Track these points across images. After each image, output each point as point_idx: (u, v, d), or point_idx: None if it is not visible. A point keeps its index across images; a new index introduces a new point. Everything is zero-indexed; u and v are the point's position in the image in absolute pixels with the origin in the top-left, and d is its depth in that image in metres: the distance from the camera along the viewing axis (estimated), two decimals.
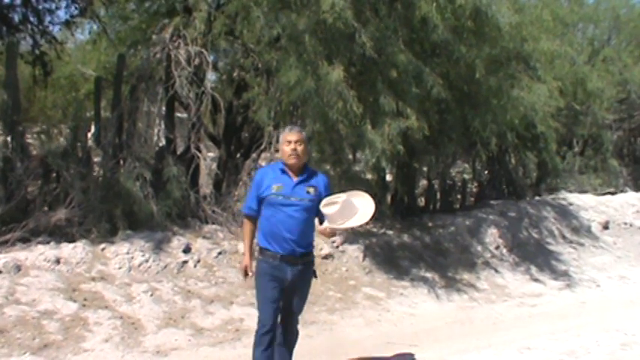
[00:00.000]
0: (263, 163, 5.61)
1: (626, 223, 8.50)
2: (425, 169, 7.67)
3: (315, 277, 3.14)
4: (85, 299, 3.98)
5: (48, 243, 4.43)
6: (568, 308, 5.49)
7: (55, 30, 7.36)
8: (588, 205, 8.74)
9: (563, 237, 7.62)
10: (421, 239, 6.34)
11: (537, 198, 8.94)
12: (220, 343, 3.91)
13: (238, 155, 6.23)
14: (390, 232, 6.29)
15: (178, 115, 6.53)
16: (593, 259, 7.20)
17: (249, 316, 4.12)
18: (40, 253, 4.28)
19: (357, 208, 2.95)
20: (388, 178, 7.31)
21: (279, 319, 3.11)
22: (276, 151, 5.15)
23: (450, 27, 5.21)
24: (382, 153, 4.90)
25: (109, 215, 4.81)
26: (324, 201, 2.92)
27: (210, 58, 5.54)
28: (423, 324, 4.68)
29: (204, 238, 5.14)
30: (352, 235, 5.72)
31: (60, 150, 4.93)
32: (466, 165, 10.23)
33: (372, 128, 4.94)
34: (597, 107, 9.38)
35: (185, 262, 4.75)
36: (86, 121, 5.85)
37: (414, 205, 7.44)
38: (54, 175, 4.96)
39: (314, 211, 2.99)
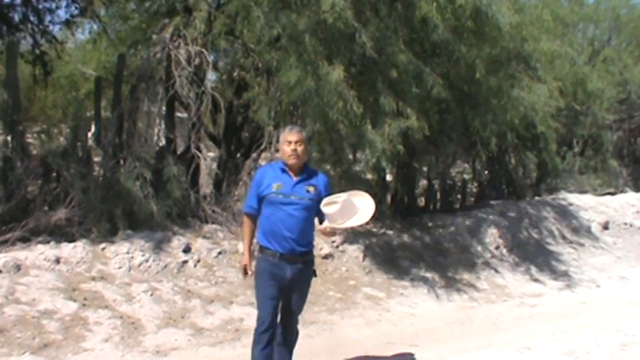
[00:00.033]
0: (263, 163, 5.60)
1: (626, 224, 8.50)
2: (425, 169, 7.68)
3: (315, 275, 3.15)
4: (85, 299, 3.98)
5: (48, 242, 4.43)
6: (568, 308, 5.49)
7: (56, 29, 7.38)
8: (588, 205, 8.74)
9: (563, 237, 7.62)
10: (421, 239, 6.34)
11: (537, 198, 8.94)
12: (220, 342, 3.91)
13: (238, 155, 6.23)
14: (390, 232, 6.29)
15: (178, 114, 6.52)
16: (593, 260, 7.20)
17: (249, 316, 4.11)
18: (40, 252, 4.28)
19: (358, 207, 2.95)
20: (388, 178, 7.31)
21: (278, 319, 3.11)
22: (277, 150, 5.15)
23: (450, 27, 5.21)
24: (382, 153, 4.91)
25: (109, 215, 4.81)
26: (325, 200, 2.92)
27: (211, 58, 5.54)
28: (423, 324, 4.68)
29: (205, 237, 5.14)
30: (352, 235, 5.72)
31: (60, 149, 4.93)
32: (466, 165, 10.23)
33: (373, 128, 4.94)
34: (597, 107, 9.38)
35: (185, 261, 4.75)
36: (86, 121, 5.85)
37: (414, 205, 7.44)
38: (54, 174, 4.96)
39: (314, 210, 3.00)
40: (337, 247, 5.57)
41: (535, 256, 6.84)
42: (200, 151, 5.63)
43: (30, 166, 4.72)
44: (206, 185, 6.05)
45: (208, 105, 5.56)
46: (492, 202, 8.04)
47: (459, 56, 5.38)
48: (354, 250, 5.59)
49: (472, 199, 8.83)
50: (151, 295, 4.22)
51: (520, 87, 6.01)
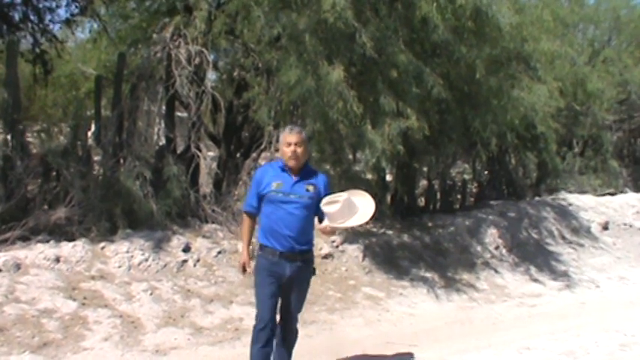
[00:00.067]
0: (263, 163, 5.60)
1: (625, 224, 8.50)
2: (425, 169, 7.68)
3: (314, 273, 3.15)
4: (85, 298, 3.98)
5: (48, 242, 4.43)
6: (567, 309, 5.49)
7: (56, 28, 7.37)
8: (588, 205, 8.74)
9: (563, 237, 7.62)
10: (421, 239, 6.34)
11: (537, 198, 8.94)
12: (220, 342, 3.91)
13: (238, 155, 6.24)
14: (390, 232, 6.29)
15: (178, 114, 6.53)
16: (592, 260, 7.21)
17: (248, 316, 4.11)
18: (39, 251, 4.28)
19: (358, 207, 2.96)
20: (388, 178, 7.31)
21: (278, 318, 3.12)
22: (276, 150, 5.15)
23: (450, 27, 5.22)
24: (382, 153, 4.91)
25: (108, 214, 4.81)
26: (325, 199, 2.93)
27: (211, 58, 5.54)
28: (422, 324, 4.68)
29: (204, 237, 5.14)
30: (352, 235, 5.72)
31: (60, 149, 4.93)
32: (466, 165, 10.23)
33: (372, 128, 4.94)
34: (597, 108, 9.38)
35: (185, 261, 4.75)
36: (86, 120, 5.85)
37: (414, 205, 7.44)
38: (54, 173, 4.96)
39: (313, 209, 3.01)
40: (337, 246, 5.58)
41: (535, 257, 6.84)
42: (200, 151, 5.63)
43: (30, 165, 4.72)
44: (206, 185, 6.05)
45: (208, 104, 5.56)
46: (492, 202, 8.04)
47: (459, 56, 5.38)
48: (354, 250, 5.60)
49: (472, 199, 8.83)
50: (151, 294, 4.22)
51: (520, 87, 6.02)
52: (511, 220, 7.36)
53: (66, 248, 4.38)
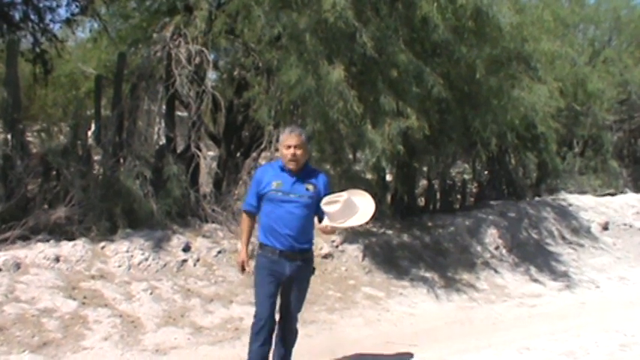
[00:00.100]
0: (263, 162, 5.60)
1: (625, 224, 8.50)
2: (425, 169, 7.67)
3: (313, 273, 3.15)
4: (85, 297, 3.98)
5: (48, 241, 4.43)
6: (567, 309, 5.49)
7: (56, 28, 7.37)
8: (588, 205, 8.74)
9: (563, 238, 7.62)
10: (421, 239, 6.34)
11: (537, 198, 8.94)
12: (220, 341, 3.90)
13: (238, 154, 6.23)
14: (390, 232, 6.29)
15: (179, 113, 6.52)
16: (592, 260, 7.21)
17: (248, 315, 4.09)
18: (39, 251, 4.28)
19: (358, 207, 2.96)
20: (388, 177, 7.31)
21: (278, 318, 3.12)
22: (276, 150, 5.15)
23: (450, 27, 5.21)
24: (382, 153, 4.91)
25: (108, 213, 4.81)
26: (326, 199, 2.93)
27: (211, 57, 5.53)
28: (422, 324, 4.68)
29: (204, 236, 5.14)
30: (352, 235, 5.72)
31: (60, 148, 4.92)
32: (466, 165, 10.23)
33: (373, 128, 4.94)
34: (598, 108, 9.38)
35: (185, 260, 4.75)
36: (86, 120, 5.86)
37: (414, 205, 7.44)
38: (54, 173, 4.96)
39: (313, 208, 3.01)
40: (337, 246, 5.57)
41: (535, 257, 6.84)
42: (200, 150, 5.63)
43: (30, 164, 4.72)
44: (206, 184, 6.05)
45: (208, 104, 5.56)
46: (492, 202, 8.04)
47: (460, 56, 5.38)
48: (354, 250, 5.59)
49: (472, 199, 8.83)
50: (151, 293, 4.22)
51: (520, 87, 6.01)
52: (511, 220, 7.36)
53: (66, 248, 4.38)
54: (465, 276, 5.91)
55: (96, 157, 5.38)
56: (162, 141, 5.83)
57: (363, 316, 4.65)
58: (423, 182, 8.06)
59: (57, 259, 4.26)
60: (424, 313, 4.93)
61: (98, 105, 5.67)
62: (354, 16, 4.71)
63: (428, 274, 5.69)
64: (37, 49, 7.08)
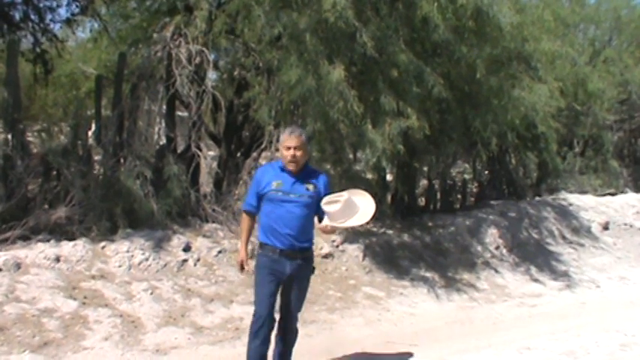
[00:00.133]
0: (263, 162, 5.61)
1: (626, 224, 8.50)
2: (425, 168, 7.68)
3: (313, 272, 3.16)
4: (85, 297, 3.98)
5: (48, 241, 4.43)
6: (568, 309, 5.49)
7: (56, 28, 7.37)
8: (588, 205, 8.74)
9: (563, 237, 7.62)
10: (421, 239, 6.34)
11: (537, 198, 8.94)
12: (220, 341, 3.91)
13: (239, 154, 6.23)
14: (390, 232, 6.29)
15: (179, 113, 6.52)
16: (593, 260, 7.20)
17: (249, 315, 4.06)
18: (40, 251, 4.28)
19: (358, 207, 2.96)
20: (388, 177, 7.31)
21: (278, 318, 3.12)
22: (277, 150, 5.15)
23: (451, 27, 5.21)
24: (383, 152, 4.91)
25: (109, 213, 4.81)
26: (326, 199, 2.94)
27: (211, 57, 5.53)
28: (422, 324, 4.68)
29: (205, 236, 5.14)
30: (352, 235, 5.72)
31: (60, 148, 4.93)
32: (466, 165, 10.23)
33: (373, 128, 4.94)
34: (598, 108, 9.38)
35: (185, 260, 4.75)
36: (87, 120, 5.86)
37: (415, 204, 7.44)
38: (54, 173, 4.96)
39: (313, 208, 3.02)
40: (337, 246, 5.58)
41: (535, 257, 6.84)
42: (200, 150, 5.63)
43: (30, 164, 4.72)
44: (206, 184, 6.05)
45: (209, 104, 5.56)
46: (492, 202, 8.04)
47: (460, 56, 5.38)
48: (354, 250, 5.59)
49: (472, 199, 8.83)
50: (151, 293, 4.22)
51: (521, 87, 6.01)
52: (511, 220, 7.36)
53: (66, 248, 4.38)
54: (466, 276, 5.91)
55: (96, 157, 5.38)
56: (163, 141, 5.84)
57: (363, 316, 4.65)
58: (424, 182, 8.07)
59: (57, 259, 4.26)
60: (424, 313, 4.93)
61: (98, 105, 5.67)
62: (354, 16, 4.71)
63: (428, 274, 5.69)
64: (38, 49, 7.09)
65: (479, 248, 6.55)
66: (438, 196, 7.95)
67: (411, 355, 3.96)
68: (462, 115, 5.96)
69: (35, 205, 4.72)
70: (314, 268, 3.17)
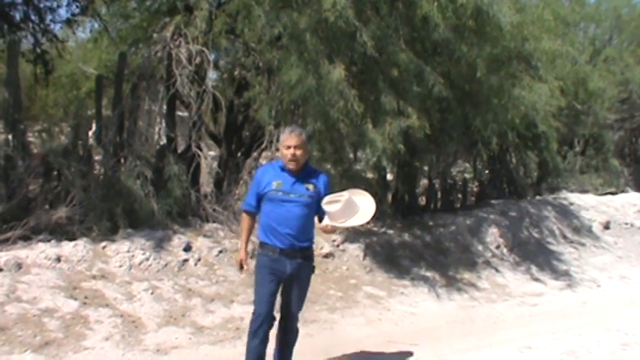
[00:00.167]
0: (264, 162, 5.61)
1: (627, 223, 8.49)
2: (426, 168, 7.68)
3: (313, 271, 3.16)
4: (86, 297, 3.99)
5: (49, 241, 4.44)
6: (569, 308, 5.49)
7: (57, 28, 7.37)
8: (589, 204, 8.73)
9: (564, 237, 7.61)
10: (422, 238, 6.34)
11: (538, 197, 8.93)
12: (221, 341, 3.91)
13: (239, 154, 6.23)
14: (391, 231, 6.29)
15: (179, 113, 6.52)
16: (594, 259, 7.20)
17: (249, 315, 4.04)
18: (41, 251, 4.28)
19: (359, 207, 2.97)
20: (389, 177, 7.31)
21: (279, 318, 3.12)
22: (277, 150, 5.15)
23: (451, 26, 5.21)
24: (383, 152, 4.90)
25: (109, 213, 4.81)
26: (327, 198, 2.94)
27: (212, 57, 5.53)
28: (423, 323, 4.69)
29: (205, 236, 5.14)
30: (353, 234, 5.72)
31: (61, 148, 4.93)
32: (467, 164, 10.22)
33: (373, 127, 4.94)
34: (598, 107, 9.38)
35: (186, 260, 4.75)
36: (87, 120, 5.86)
37: (415, 204, 7.44)
38: (55, 173, 4.97)
39: (313, 208, 3.02)
40: (338, 246, 5.58)
41: (536, 256, 6.83)
42: (201, 150, 5.63)
43: (31, 164, 4.73)
44: (207, 184, 6.05)
45: (209, 104, 5.56)
46: (493, 201, 8.04)
47: (460, 55, 5.38)
48: (355, 249, 5.60)
49: (473, 198, 8.83)
50: (152, 293, 4.22)
51: (521, 86, 6.01)
52: (512, 220, 7.36)
53: (67, 248, 4.39)
54: (466, 275, 5.91)
55: (97, 157, 5.38)
56: (163, 141, 5.84)
57: (364, 316, 4.65)
58: (424, 181, 8.07)
59: (58, 259, 4.27)
60: (425, 313, 4.93)
61: (99, 105, 5.68)
62: (354, 16, 4.70)
63: (429, 274, 5.69)
64: (38, 50, 7.09)
65: (479, 247, 6.55)
66: (439, 195, 7.95)
67: (411, 354, 3.96)
68: (462, 115, 5.95)
69: (36, 206, 4.73)
70: (314, 268, 3.17)
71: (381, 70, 5.10)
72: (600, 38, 11.09)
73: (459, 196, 8.34)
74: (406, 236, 6.27)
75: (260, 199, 3.07)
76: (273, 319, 3.09)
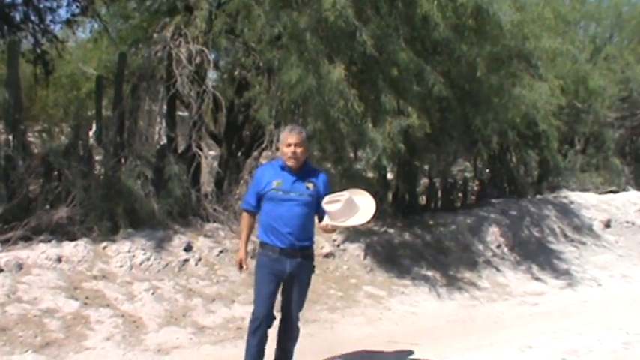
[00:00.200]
0: (264, 162, 5.60)
1: (628, 222, 8.48)
2: (426, 167, 7.67)
3: (313, 271, 3.16)
4: (87, 297, 3.99)
5: (50, 241, 4.44)
6: (570, 307, 5.49)
7: (57, 29, 7.39)
8: (590, 203, 8.73)
9: (565, 235, 7.61)
10: (422, 238, 6.34)
11: (539, 196, 8.92)
12: (221, 341, 3.91)
13: (239, 154, 6.23)
14: (392, 231, 6.29)
15: (179, 113, 6.52)
16: (594, 258, 7.19)
17: (250, 315, 4.11)
18: (41, 251, 4.29)
19: (359, 207, 2.98)
20: (389, 176, 7.31)
21: (279, 317, 3.13)
22: (277, 149, 5.15)
23: (451, 25, 5.21)
24: (383, 151, 4.90)
25: (110, 214, 4.82)
26: (327, 198, 2.95)
27: (212, 57, 5.53)
28: (424, 322, 4.69)
29: (206, 236, 5.14)
30: (353, 234, 5.72)
31: (61, 149, 4.94)
32: (467, 163, 10.22)
33: (374, 126, 4.94)
34: (599, 105, 9.37)
35: (186, 260, 4.76)
36: (87, 120, 5.87)
37: (415, 203, 7.43)
38: (55, 173, 4.97)
39: (313, 207, 3.03)
40: (338, 245, 5.58)
41: (536, 255, 6.83)
42: (201, 150, 5.63)
43: (31, 165, 4.73)
44: (207, 184, 6.05)
45: (209, 104, 5.56)
46: (493, 200, 8.03)
47: (460, 54, 5.37)
48: (356, 249, 5.60)
49: (473, 197, 8.83)
50: (153, 293, 4.23)
51: (521, 85, 6.00)
52: (513, 219, 7.36)
53: (68, 248, 4.39)
54: (467, 274, 5.91)
55: (97, 158, 5.39)
56: (164, 141, 5.84)
57: (364, 315, 4.65)
58: (425, 181, 8.06)
59: (59, 260, 4.27)
60: (426, 312, 4.93)
61: (99, 105, 5.68)
62: (354, 15, 4.70)
63: (429, 273, 5.69)
64: (38, 50, 7.10)
65: (480, 247, 6.55)
66: (439, 194, 7.95)
67: (412, 353, 3.96)
68: (462, 114, 5.95)
69: (37, 206, 4.73)
70: (314, 267, 3.17)
71: (381, 70, 5.10)
72: (600, 36, 11.07)
73: (460, 195, 8.33)
74: (407, 235, 6.27)
75: (260, 198, 3.08)
76: (273, 318, 3.09)
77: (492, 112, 5.87)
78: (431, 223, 6.79)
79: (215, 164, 6.27)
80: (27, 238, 4.44)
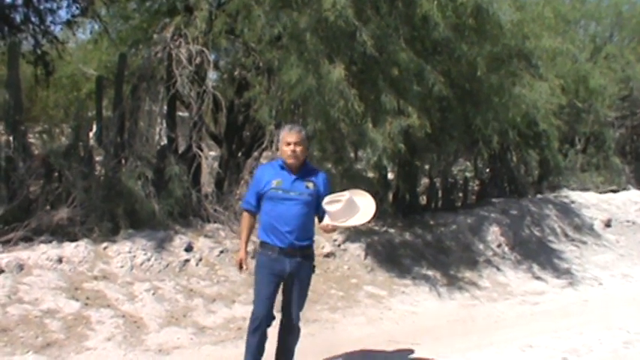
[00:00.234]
0: (264, 162, 5.61)
1: (628, 221, 8.48)
2: (427, 167, 7.67)
3: (314, 271, 3.17)
4: (88, 298, 4.00)
5: (50, 242, 4.45)
6: (570, 306, 5.49)
7: (57, 30, 7.39)
8: (590, 202, 8.72)
9: (566, 235, 7.61)
10: (423, 237, 6.34)
11: (539, 196, 8.92)
12: (222, 341, 3.91)
13: (240, 154, 6.24)
14: (392, 231, 6.29)
15: (180, 114, 6.53)
16: (595, 257, 7.19)
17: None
18: (42, 252, 4.29)
19: (359, 207, 2.99)
20: (390, 176, 7.31)
21: (280, 317, 3.13)
22: (277, 149, 5.15)
23: (451, 25, 5.21)
24: (384, 151, 4.91)
25: (110, 214, 4.82)
26: (327, 198, 2.95)
27: (212, 57, 5.53)
28: (424, 322, 4.69)
29: (206, 236, 5.15)
30: (354, 234, 5.72)
31: (62, 149, 4.94)
32: (468, 163, 10.21)
33: (374, 126, 4.94)
34: (599, 105, 9.35)
35: (187, 260, 4.76)
36: (88, 121, 5.88)
37: (416, 203, 7.43)
38: (56, 174, 4.97)
39: (313, 206, 3.03)
40: (339, 245, 5.58)
41: (537, 254, 6.83)
42: (201, 150, 5.64)
43: (32, 166, 4.74)
44: (207, 184, 6.06)
45: (209, 104, 5.56)
46: (494, 200, 8.03)
47: (460, 54, 5.38)
48: (356, 249, 5.60)
49: (474, 197, 8.82)
50: (153, 294, 4.23)
51: (521, 84, 6.00)
52: (513, 218, 7.35)
53: (68, 249, 4.40)
54: (467, 274, 5.91)
55: (97, 158, 5.39)
56: (164, 141, 5.84)
57: (365, 315, 4.65)
58: (425, 180, 8.06)
59: (59, 260, 4.28)
60: (426, 312, 4.93)
61: (99, 106, 5.69)
62: (354, 15, 4.70)
63: (430, 273, 5.69)
64: (38, 51, 7.10)
65: (480, 246, 6.55)
66: (440, 194, 7.95)
67: (412, 353, 3.96)
68: (462, 113, 5.95)
69: (37, 207, 4.73)
70: (314, 267, 3.18)
71: (381, 70, 5.10)
72: (601, 35, 11.05)
73: (460, 194, 8.33)
74: (407, 235, 6.27)
75: (260, 198, 3.08)
76: (273, 318, 3.10)
77: (493, 112, 5.87)
78: (431, 222, 6.79)
79: (215, 164, 6.27)
80: (27, 239, 4.44)
